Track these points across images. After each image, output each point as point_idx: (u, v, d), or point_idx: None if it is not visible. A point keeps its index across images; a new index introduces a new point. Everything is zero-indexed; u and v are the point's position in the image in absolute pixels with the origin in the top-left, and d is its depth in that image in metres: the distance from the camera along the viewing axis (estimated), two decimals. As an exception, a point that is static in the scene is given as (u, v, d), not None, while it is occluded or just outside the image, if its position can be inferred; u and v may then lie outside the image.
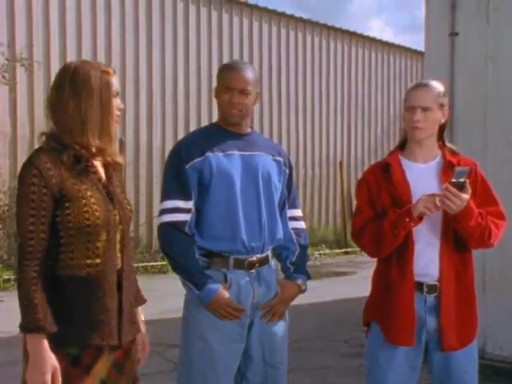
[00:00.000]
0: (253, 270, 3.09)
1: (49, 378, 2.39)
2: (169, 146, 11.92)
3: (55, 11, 10.15)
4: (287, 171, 3.29)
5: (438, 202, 2.89)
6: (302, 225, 3.36)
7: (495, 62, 5.33)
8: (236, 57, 12.29)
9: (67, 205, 2.42)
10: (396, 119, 15.89)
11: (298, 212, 3.37)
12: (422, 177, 3.11)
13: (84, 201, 2.44)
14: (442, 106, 3.10)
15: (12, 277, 8.71)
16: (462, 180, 2.87)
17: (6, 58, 9.26)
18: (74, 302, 2.46)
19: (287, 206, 3.29)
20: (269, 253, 3.17)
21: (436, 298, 3.05)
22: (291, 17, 13.86)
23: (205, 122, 11.80)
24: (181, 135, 11.61)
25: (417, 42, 41.25)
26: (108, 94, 2.53)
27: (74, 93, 2.50)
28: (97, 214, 2.45)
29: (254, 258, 3.09)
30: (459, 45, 5.54)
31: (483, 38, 5.39)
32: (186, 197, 3.06)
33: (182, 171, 3.06)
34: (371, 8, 64.78)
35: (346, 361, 5.91)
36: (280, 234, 3.21)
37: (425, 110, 3.04)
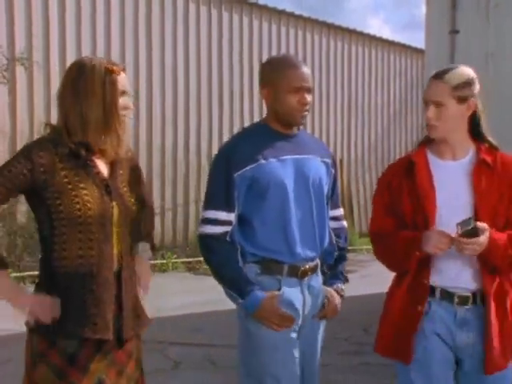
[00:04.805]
0: (305, 279, 2.93)
1: (37, 298, 2.44)
2: (168, 146, 11.96)
3: (55, 12, 10.10)
4: (333, 171, 3.12)
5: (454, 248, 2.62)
6: (342, 224, 3.22)
7: (496, 59, 5.32)
8: (236, 55, 12.29)
9: (56, 195, 2.43)
10: (396, 117, 15.89)
11: (340, 211, 3.23)
12: (450, 178, 2.77)
13: (74, 192, 2.43)
14: (462, 99, 2.72)
15: (12, 275, 8.67)
16: (469, 228, 2.59)
17: (6, 57, 9.20)
18: (67, 294, 2.45)
19: (330, 206, 3.12)
20: (318, 261, 3.02)
21: (468, 310, 2.73)
22: (291, 15, 13.84)
23: (204, 121, 11.81)
24: (180, 134, 11.61)
25: (415, 39, 41.23)
26: (112, 93, 2.48)
27: (75, 92, 2.49)
28: (88, 205, 2.44)
29: (307, 267, 2.93)
30: (459, 42, 5.54)
31: (484, 35, 5.39)
32: (229, 208, 2.86)
33: (229, 179, 2.85)
34: (369, 5, 64.71)
35: (346, 358, 5.90)
36: (328, 240, 3.07)
37: (438, 105, 2.72)
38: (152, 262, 10.70)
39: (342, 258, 3.14)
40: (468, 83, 2.74)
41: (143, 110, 11.09)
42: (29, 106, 9.70)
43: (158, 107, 11.33)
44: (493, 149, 2.83)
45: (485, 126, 2.86)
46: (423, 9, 5.86)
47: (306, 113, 2.93)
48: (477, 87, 2.77)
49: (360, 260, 12.19)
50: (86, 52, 10.06)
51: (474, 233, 2.59)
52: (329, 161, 3.09)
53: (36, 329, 2.47)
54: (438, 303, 2.75)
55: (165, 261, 10.31)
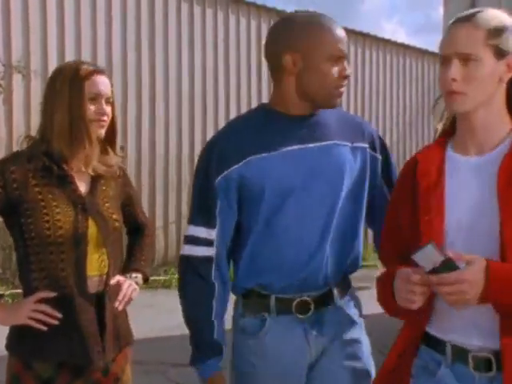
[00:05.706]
0: (303, 316, 2.29)
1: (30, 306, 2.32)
2: (172, 151, 11.60)
3: (53, 19, 9.83)
4: (379, 157, 2.37)
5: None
6: None
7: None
8: (243, 59, 11.97)
9: (29, 213, 2.36)
10: (412, 122, 15.58)
11: None
12: (469, 181, 1.84)
13: (45, 210, 2.35)
14: (500, 51, 1.80)
15: (7, 292, 8.41)
16: (438, 265, 1.68)
17: (3, 63, 9.06)
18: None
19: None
20: (334, 287, 2.35)
21: (494, 380, 1.75)
22: (302, 18, 13.54)
23: (210, 125, 11.42)
24: (185, 139, 11.26)
25: (431, 42, 41.16)
26: (77, 97, 2.37)
27: (46, 98, 2.43)
28: (58, 224, 2.34)
29: (307, 298, 2.28)
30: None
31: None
32: (208, 223, 2.26)
33: (208, 186, 2.24)
34: (383, 8, 64.92)
35: None
36: (356, 256, 2.43)
37: (466, 60, 1.79)
38: (154, 277, 10.55)
39: None
40: (508, 29, 1.82)
41: (146, 114, 10.81)
42: (25, 114, 9.45)
43: (162, 111, 11.03)
44: None
45: None
46: (440, 10, 5.52)
47: (344, 88, 2.23)
48: None
49: (373, 277, 11.85)
50: (85, 58, 9.81)
51: (448, 268, 1.67)
52: (364, 145, 2.33)
53: (12, 349, 2.41)
54: (450, 367, 1.85)
55: (168, 277, 10.07)
